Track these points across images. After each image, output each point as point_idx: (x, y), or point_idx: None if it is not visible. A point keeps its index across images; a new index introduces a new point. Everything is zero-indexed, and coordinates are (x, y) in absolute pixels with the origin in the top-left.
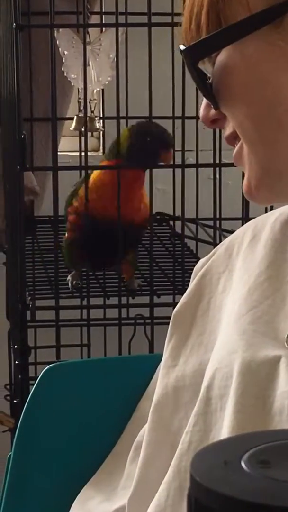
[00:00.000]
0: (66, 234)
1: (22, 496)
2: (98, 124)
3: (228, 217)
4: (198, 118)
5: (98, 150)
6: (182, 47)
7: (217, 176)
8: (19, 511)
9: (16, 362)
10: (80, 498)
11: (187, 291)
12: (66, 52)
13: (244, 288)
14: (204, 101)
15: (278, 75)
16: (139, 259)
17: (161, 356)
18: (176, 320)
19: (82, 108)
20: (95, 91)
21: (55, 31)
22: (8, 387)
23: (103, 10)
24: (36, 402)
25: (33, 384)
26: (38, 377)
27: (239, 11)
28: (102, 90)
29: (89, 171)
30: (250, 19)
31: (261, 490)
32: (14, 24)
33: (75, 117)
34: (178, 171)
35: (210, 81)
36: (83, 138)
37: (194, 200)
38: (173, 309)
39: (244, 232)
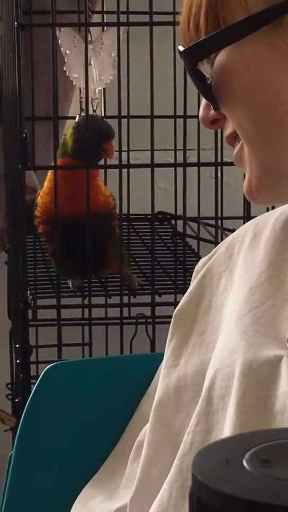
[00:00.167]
0: (47, 250)
1: (23, 495)
2: None
3: (229, 216)
4: None
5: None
6: (181, 48)
7: (219, 175)
8: (20, 510)
9: (18, 361)
10: (82, 497)
11: (188, 291)
12: (68, 52)
13: (245, 288)
14: (203, 102)
15: (278, 76)
16: (140, 259)
17: (163, 355)
18: (177, 319)
19: (84, 107)
20: (97, 90)
21: (57, 30)
22: (9, 386)
23: (105, 9)
24: (38, 401)
25: (35, 383)
26: (39, 376)
27: (238, 12)
28: (104, 89)
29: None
30: (249, 19)
31: (262, 489)
32: (16, 23)
33: (77, 116)
34: (180, 170)
35: (209, 81)
36: None
37: (195, 199)
38: (175, 308)
39: (245, 231)
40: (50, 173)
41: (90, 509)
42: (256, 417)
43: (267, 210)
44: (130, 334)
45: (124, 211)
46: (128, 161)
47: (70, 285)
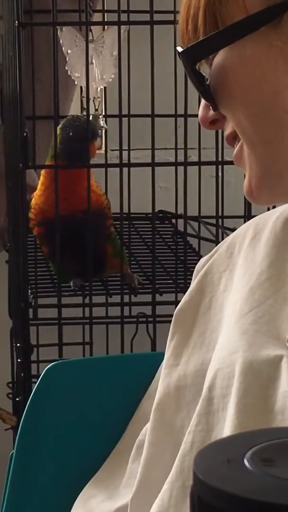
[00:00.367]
0: (43, 253)
1: (24, 494)
2: (102, 122)
3: (230, 215)
4: None
5: (100, 148)
6: (179, 49)
7: (219, 174)
8: (21, 509)
9: (19, 360)
10: (82, 497)
11: (188, 290)
12: (69, 51)
13: (245, 288)
14: (202, 102)
15: (277, 75)
16: (140, 257)
17: (163, 354)
18: (178, 319)
19: (85, 106)
20: (98, 89)
21: (58, 30)
22: (10, 385)
23: (105, 8)
24: (38, 400)
25: (36, 382)
26: (40, 375)
27: (236, 12)
28: (105, 88)
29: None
30: (247, 20)
31: (264, 488)
32: (17, 22)
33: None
34: (181, 169)
35: (208, 82)
36: None
37: (196, 198)
38: (175, 307)
39: (245, 230)
40: (42, 176)
41: (90, 508)
42: (257, 417)
43: (268, 209)
44: (131, 333)
45: (125, 210)
46: (129, 160)
47: (71, 285)
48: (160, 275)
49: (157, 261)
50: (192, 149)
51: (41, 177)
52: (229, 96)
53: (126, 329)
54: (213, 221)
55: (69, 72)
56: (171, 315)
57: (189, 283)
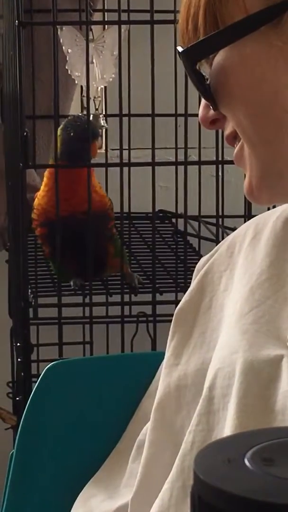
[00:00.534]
0: (44, 253)
1: (24, 493)
2: (103, 122)
3: (230, 214)
4: None
5: (100, 147)
6: (179, 48)
7: (220, 173)
8: (21, 509)
9: (19, 359)
10: (83, 496)
11: (189, 290)
12: (69, 50)
13: (245, 287)
14: (203, 102)
15: (277, 75)
16: (141, 257)
17: (164, 353)
18: (178, 318)
19: (85, 105)
20: (98, 88)
21: (59, 29)
22: (10, 384)
23: (106, 8)
24: (39, 399)
25: (36, 382)
26: (40, 374)
27: (236, 12)
28: (105, 87)
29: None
30: (247, 20)
31: (265, 488)
32: (17, 21)
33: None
34: (181, 168)
35: (208, 82)
36: None
37: (196, 197)
38: (176, 307)
39: (245, 230)
40: (45, 177)
41: (91, 507)
42: (257, 417)
43: (268, 209)
44: (131, 333)
45: (125, 209)
46: (129, 159)
47: (72, 284)
48: (160, 274)
49: (157, 261)
50: (192, 148)
51: (45, 178)
52: (229, 95)
53: (126, 329)
54: (213, 220)
55: (69, 71)
56: (172, 315)
57: (189, 283)
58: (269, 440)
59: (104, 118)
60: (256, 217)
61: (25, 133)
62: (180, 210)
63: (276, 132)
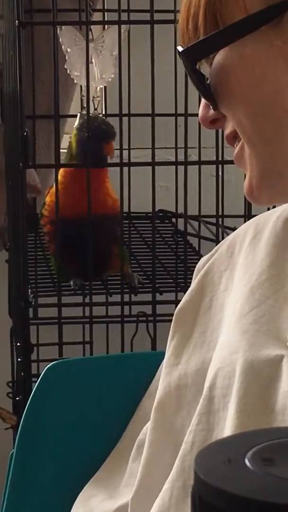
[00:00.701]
0: (49, 250)
1: (24, 493)
2: None
3: (230, 214)
4: None
5: None
6: (179, 48)
7: (220, 173)
8: (21, 509)
9: (19, 359)
10: (83, 496)
11: (189, 289)
12: (69, 50)
13: (245, 287)
14: (203, 102)
15: (277, 75)
16: (141, 257)
17: (164, 353)
18: (178, 318)
19: (85, 105)
20: (98, 88)
21: (58, 29)
22: (10, 384)
23: (106, 7)
24: (39, 399)
25: (36, 382)
26: (40, 374)
27: (236, 12)
28: (105, 87)
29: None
30: (247, 19)
31: (265, 488)
32: (17, 21)
33: (79, 115)
34: (181, 168)
35: (208, 81)
36: None
37: (196, 197)
38: (176, 307)
39: (246, 230)
40: (60, 175)
41: (91, 507)
42: (257, 417)
43: (268, 209)
44: (131, 333)
45: (125, 209)
46: (129, 159)
47: (72, 284)
48: (160, 274)
49: (157, 260)
50: (192, 148)
51: (60, 176)
52: (229, 95)
53: (126, 328)
54: (213, 220)
55: (68, 71)
56: (172, 314)
57: (189, 283)
58: (269, 440)
59: (104, 118)
60: (256, 217)
61: (25, 133)
62: (180, 210)
63: (276, 132)
